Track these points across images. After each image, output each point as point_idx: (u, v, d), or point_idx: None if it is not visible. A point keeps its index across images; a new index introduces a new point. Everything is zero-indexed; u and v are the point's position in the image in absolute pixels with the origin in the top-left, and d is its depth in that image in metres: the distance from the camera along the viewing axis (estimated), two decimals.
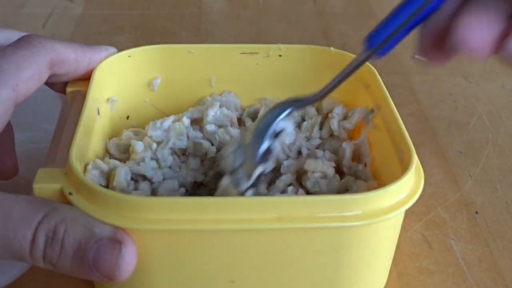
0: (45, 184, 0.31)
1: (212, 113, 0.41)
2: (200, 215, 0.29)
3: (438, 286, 0.38)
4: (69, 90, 0.39)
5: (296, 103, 0.36)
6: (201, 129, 0.41)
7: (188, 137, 0.40)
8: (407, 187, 0.32)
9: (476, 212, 0.43)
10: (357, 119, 0.41)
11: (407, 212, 0.43)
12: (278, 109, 0.36)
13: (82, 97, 0.38)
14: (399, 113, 0.54)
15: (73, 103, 0.38)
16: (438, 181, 0.46)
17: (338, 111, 0.42)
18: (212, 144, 0.40)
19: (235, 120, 0.42)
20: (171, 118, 0.40)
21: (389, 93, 0.58)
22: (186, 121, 0.40)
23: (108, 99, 0.41)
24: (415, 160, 0.33)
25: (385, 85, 0.59)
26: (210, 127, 0.40)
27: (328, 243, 0.31)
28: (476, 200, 0.44)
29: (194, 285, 0.33)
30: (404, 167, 0.32)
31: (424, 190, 0.45)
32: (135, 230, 0.29)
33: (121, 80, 0.42)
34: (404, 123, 0.53)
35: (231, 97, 0.44)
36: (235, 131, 0.40)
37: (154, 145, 0.38)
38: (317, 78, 0.43)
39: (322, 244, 0.31)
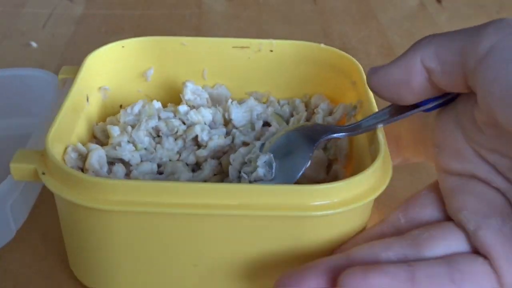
0: (20, 164, 0.32)
1: (190, 95, 0.42)
2: (164, 198, 0.30)
3: None
4: (61, 77, 0.41)
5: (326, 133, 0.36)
6: (175, 112, 0.42)
7: (160, 117, 0.41)
8: (373, 178, 0.32)
9: None
10: (341, 115, 0.42)
11: None
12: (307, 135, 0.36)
13: (72, 84, 0.39)
14: None
15: (64, 90, 0.39)
16: None
17: (323, 106, 0.43)
18: (184, 123, 0.41)
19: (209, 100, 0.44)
20: (141, 102, 0.42)
21: None
22: (156, 103, 0.42)
23: (100, 88, 0.42)
24: (382, 152, 0.33)
25: None
26: (182, 108, 0.41)
27: (290, 231, 0.32)
28: None
29: (159, 268, 0.33)
30: (373, 160, 0.33)
31: None
32: (101, 211, 0.30)
33: (114, 70, 0.43)
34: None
35: (222, 90, 0.45)
36: (206, 111, 0.41)
37: (129, 128, 0.39)
38: (307, 74, 0.44)
39: (283, 231, 0.32)
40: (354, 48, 0.66)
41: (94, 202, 0.30)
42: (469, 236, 0.29)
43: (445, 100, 0.32)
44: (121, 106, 0.44)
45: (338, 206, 0.30)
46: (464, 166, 0.31)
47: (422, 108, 0.32)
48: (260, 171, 0.35)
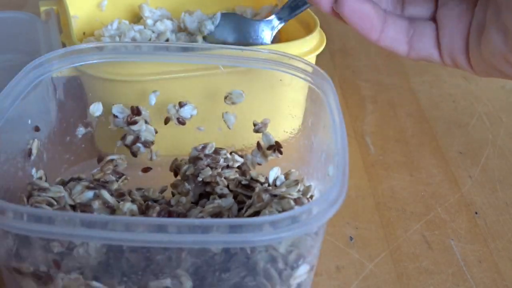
0: None
1: (148, 12, 0.55)
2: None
3: (438, 286, 0.37)
4: (43, 9, 0.51)
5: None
6: (144, 26, 0.54)
7: (134, 30, 0.52)
8: (315, 40, 0.46)
9: (476, 213, 0.43)
10: (265, 14, 0.52)
11: (407, 213, 0.43)
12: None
13: (55, 14, 0.49)
14: (398, 113, 0.55)
15: (50, 20, 0.48)
16: (438, 181, 0.46)
17: (249, 11, 0.55)
18: (153, 32, 0.53)
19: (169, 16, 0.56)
20: (116, 21, 0.52)
21: (389, 93, 0.58)
22: (126, 22, 0.53)
23: (72, 16, 0.50)
24: (318, 24, 0.46)
25: (385, 85, 0.60)
26: (149, 21, 0.54)
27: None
28: (476, 200, 0.44)
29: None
30: (310, 31, 0.46)
31: (424, 190, 0.45)
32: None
33: (78, 2, 0.53)
34: (404, 123, 0.53)
35: (163, 11, 0.56)
36: (168, 21, 0.53)
37: (117, 38, 0.51)
38: None
39: (262, 82, 0.42)
40: (354, 48, 0.66)
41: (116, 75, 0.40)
42: None
43: None
44: (84, 33, 0.54)
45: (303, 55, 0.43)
46: None
47: None
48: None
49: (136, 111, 0.40)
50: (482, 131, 0.52)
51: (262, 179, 0.37)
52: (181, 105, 0.41)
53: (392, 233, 0.41)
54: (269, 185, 0.37)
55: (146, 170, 0.42)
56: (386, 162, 0.48)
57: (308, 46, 0.45)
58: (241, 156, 0.40)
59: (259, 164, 0.40)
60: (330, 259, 0.39)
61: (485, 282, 0.38)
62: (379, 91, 0.58)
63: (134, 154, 0.41)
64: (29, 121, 0.37)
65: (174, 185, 0.39)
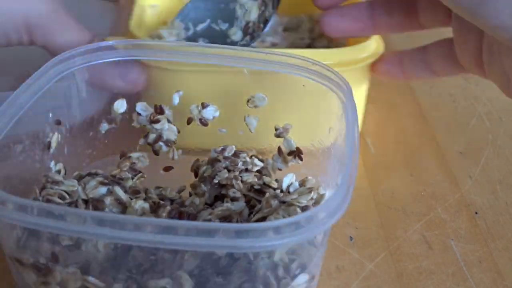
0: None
1: None
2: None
3: (438, 286, 0.38)
4: None
5: None
6: None
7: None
8: (373, 46, 0.46)
9: (476, 213, 0.43)
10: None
11: (407, 212, 0.43)
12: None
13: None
14: (398, 113, 0.55)
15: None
16: (438, 181, 0.46)
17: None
18: None
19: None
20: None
21: (389, 93, 0.58)
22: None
23: (151, 5, 0.51)
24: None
25: (384, 85, 0.59)
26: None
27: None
28: (476, 200, 0.44)
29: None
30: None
31: (424, 190, 0.45)
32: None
33: None
34: (404, 124, 0.53)
35: None
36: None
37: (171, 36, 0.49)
38: None
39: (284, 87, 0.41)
40: None
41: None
42: None
43: None
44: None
45: (347, 65, 0.45)
46: None
47: None
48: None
49: (159, 110, 0.40)
50: (482, 131, 0.53)
51: (275, 185, 0.37)
52: (204, 106, 0.41)
53: (392, 233, 0.42)
54: (281, 191, 0.37)
55: (167, 169, 0.42)
56: (386, 162, 0.48)
57: (367, 52, 0.45)
58: (262, 161, 0.40)
59: (280, 169, 0.40)
60: (330, 259, 0.39)
61: (485, 282, 0.38)
62: (379, 91, 0.58)
63: (156, 153, 0.41)
64: (50, 115, 0.37)
65: (193, 186, 0.39)
